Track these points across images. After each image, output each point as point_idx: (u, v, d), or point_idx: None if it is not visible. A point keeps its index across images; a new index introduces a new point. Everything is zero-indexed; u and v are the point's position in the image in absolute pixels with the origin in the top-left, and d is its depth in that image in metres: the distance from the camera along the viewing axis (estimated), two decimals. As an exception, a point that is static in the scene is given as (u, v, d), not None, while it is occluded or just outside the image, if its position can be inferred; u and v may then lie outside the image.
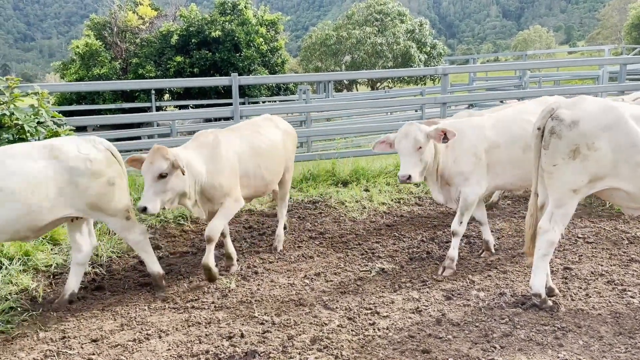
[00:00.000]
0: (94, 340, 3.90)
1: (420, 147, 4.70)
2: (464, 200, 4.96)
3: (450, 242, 5.13)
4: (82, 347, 3.81)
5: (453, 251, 5.05)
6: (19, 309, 4.44)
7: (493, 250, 5.39)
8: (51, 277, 5.16)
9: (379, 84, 31.78)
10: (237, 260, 5.54)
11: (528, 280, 4.39)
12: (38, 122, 6.58)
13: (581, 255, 5.29)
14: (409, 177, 4.65)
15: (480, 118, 5.20)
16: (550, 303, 4.12)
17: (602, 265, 5.00)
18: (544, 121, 3.96)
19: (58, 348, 3.80)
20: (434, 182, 5.08)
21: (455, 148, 4.93)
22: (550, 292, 4.29)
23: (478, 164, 4.92)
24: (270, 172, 5.39)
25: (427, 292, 4.54)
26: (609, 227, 6.10)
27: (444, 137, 4.70)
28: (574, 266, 4.99)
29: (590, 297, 4.34)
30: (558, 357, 3.43)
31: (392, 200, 7.31)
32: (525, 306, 4.15)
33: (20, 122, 6.40)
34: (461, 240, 5.74)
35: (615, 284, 4.56)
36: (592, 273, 4.82)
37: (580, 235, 5.84)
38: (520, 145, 4.89)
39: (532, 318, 3.97)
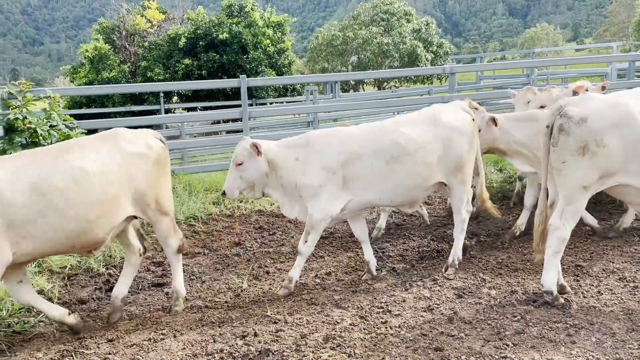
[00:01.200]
0: (110, 340, 3.96)
1: (240, 164, 4.62)
2: (309, 218, 4.65)
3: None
4: (98, 347, 3.87)
5: (294, 271, 4.72)
6: (35, 310, 4.50)
7: (374, 273, 4.97)
8: (66, 278, 5.23)
9: (385, 83, 31.77)
10: (248, 260, 5.60)
11: (539, 278, 4.38)
12: (50, 126, 6.67)
13: (592, 253, 5.28)
14: (224, 193, 4.68)
15: (349, 128, 4.93)
16: (562, 300, 4.13)
17: (613, 263, 4.99)
18: (552, 119, 3.98)
19: (75, 347, 3.86)
20: (280, 196, 4.78)
21: (307, 160, 4.64)
22: (561, 289, 4.29)
23: (330, 178, 4.59)
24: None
25: (439, 290, 4.56)
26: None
27: (258, 152, 4.57)
28: (585, 263, 4.99)
29: (602, 294, 4.34)
30: (571, 354, 3.44)
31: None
32: (537, 304, 4.16)
33: (33, 126, 6.49)
34: (471, 238, 5.76)
35: (627, 281, 4.56)
36: (604, 270, 4.82)
37: (592, 232, 5.83)
38: (384, 157, 4.61)
39: (544, 315, 3.98)
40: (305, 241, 4.70)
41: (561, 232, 4.02)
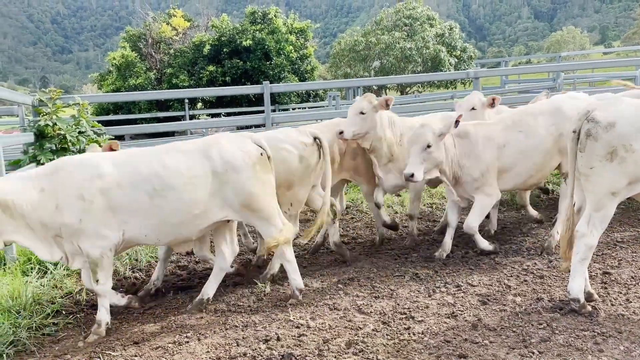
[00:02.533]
0: (136, 343, 4.03)
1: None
2: (90, 257, 4.12)
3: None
4: (124, 349, 3.94)
5: (100, 314, 4.25)
6: (63, 312, 4.61)
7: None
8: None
9: (408, 88, 31.65)
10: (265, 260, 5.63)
11: (565, 285, 4.32)
12: (79, 132, 6.85)
13: (621, 260, 5.17)
14: None
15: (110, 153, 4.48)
16: (589, 308, 4.06)
17: (643, 270, 4.88)
18: (579, 124, 3.91)
19: (102, 350, 3.93)
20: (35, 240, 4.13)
21: (59, 190, 4.04)
22: (589, 297, 4.21)
23: (89, 210, 4.02)
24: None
25: (462, 297, 4.52)
26: (649, 231, 5.95)
27: None
28: (614, 271, 4.89)
29: (631, 302, 4.25)
30: (598, 363, 3.38)
31: (424, 205, 7.29)
32: (563, 311, 4.09)
33: (62, 132, 6.67)
34: (495, 242, 5.70)
35: (657, 289, 4.45)
36: (633, 278, 4.72)
37: (620, 240, 5.72)
38: (146, 189, 4.10)
39: (571, 323, 3.91)
40: (97, 280, 4.19)
41: (589, 239, 3.94)
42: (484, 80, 22.71)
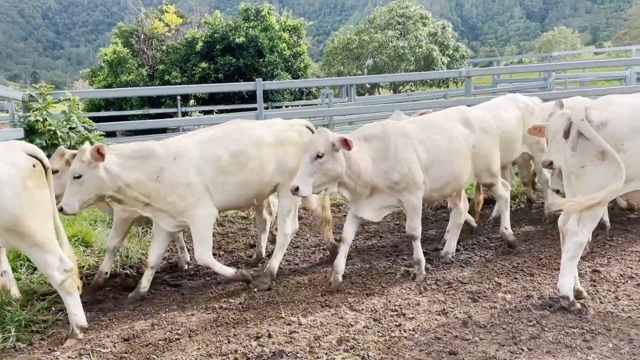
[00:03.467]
0: (126, 339, 4.01)
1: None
2: None
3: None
4: (114, 346, 3.92)
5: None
6: (53, 308, 4.58)
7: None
8: (84, 277, 5.30)
9: (401, 87, 31.71)
10: (263, 262, 5.62)
11: (555, 283, 4.35)
12: (70, 128, 6.80)
13: (610, 258, 5.22)
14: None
15: None
16: (578, 306, 4.09)
17: (631, 268, 4.92)
18: (569, 122, 3.93)
19: (92, 346, 3.91)
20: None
21: None
22: (578, 294, 4.25)
23: None
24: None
25: (453, 294, 4.54)
26: (637, 229, 6.00)
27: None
28: (603, 269, 4.93)
29: (620, 299, 4.28)
30: (587, 360, 3.40)
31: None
32: (552, 309, 4.12)
33: (53, 128, 6.62)
34: (486, 239, 5.72)
35: (645, 287, 4.49)
36: (621, 276, 4.76)
37: (609, 238, 5.76)
38: None
39: (560, 321, 3.94)
40: None
41: (579, 237, 3.97)
42: (475, 79, 22.82)
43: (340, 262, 4.82)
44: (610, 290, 4.46)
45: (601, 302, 4.25)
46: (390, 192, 4.75)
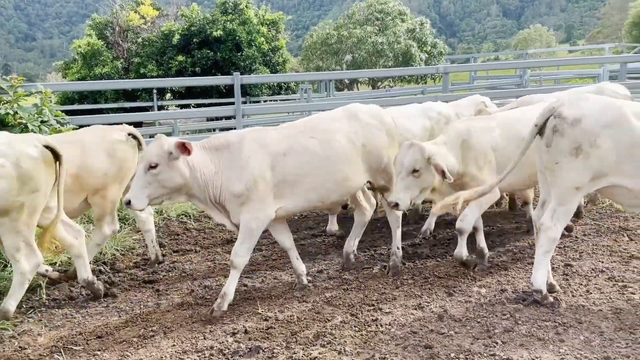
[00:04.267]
0: (99, 337, 3.94)
1: None
2: None
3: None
4: (87, 343, 3.85)
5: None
6: (24, 306, 4.47)
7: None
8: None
9: (380, 83, 31.80)
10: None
11: (529, 277, 4.41)
12: (41, 121, 6.64)
13: (582, 252, 5.32)
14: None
15: None
16: (551, 299, 4.15)
17: (602, 262, 5.03)
18: (543, 119, 3.99)
19: (64, 344, 3.84)
20: None
21: None
22: (551, 288, 4.32)
23: None
24: None
25: (429, 288, 4.58)
26: (609, 224, 6.13)
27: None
28: (575, 263, 5.02)
29: (591, 293, 4.37)
30: (559, 352, 3.46)
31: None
32: (526, 302, 4.19)
33: (24, 121, 6.46)
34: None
35: (615, 280, 4.59)
36: (593, 270, 4.85)
37: (582, 232, 5.88)
38: None
39: (534, 314, 4.00)
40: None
41: (552, 232, 4.02)
42: (453, 75, 23.01)
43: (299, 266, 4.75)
44: (582, 284, 4.55)
45: (573, 296, 4.33)
46: (230, 206, 4.28)
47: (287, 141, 4.40)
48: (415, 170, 4.42)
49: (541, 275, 4.14)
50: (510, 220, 6.45)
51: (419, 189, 4.53)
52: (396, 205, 4.43)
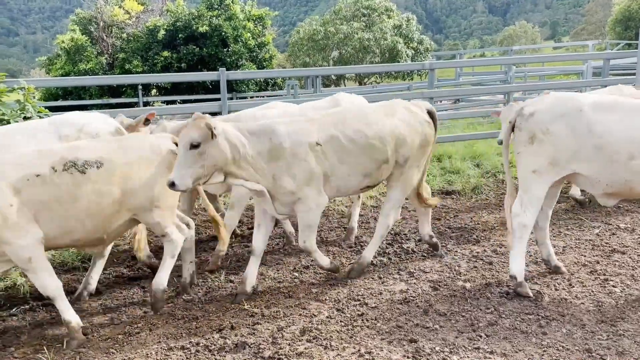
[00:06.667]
0: (84, 334, 3.91)
1: None
2: None
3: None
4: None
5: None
6: (7, 304, 4.43)
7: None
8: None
9: (366, 79, 31.81)
10: (227, 254, 5.57)
11: (513, 271, 4.49)
12: (24, 118, 6.54)
13: (565, 247, 5.39)
14: None
15: None
16: (527, 288, 4.27)
17: (585, 256, 5.10)
18: (514, 117, 4.32)
19: (47, 342, 3.81)
20: None
21: None
22: (556, 269, 4.67)
23: None
24: None
25: (415, 283, 4.61)
26: (591, 218, 6.22)
27: None
28: (558, 257, 5.06)
29: (574, 286, 4.44)
30: (542, 345, 3.52)
31: (380, 194, 7.37)
32: (510, 296, 4.24)
33: (6, 118, 6.35)
34: (447, 229, 5.83)
35: (597, 274, 4.67)
36: (576, 263, 4.92)
37: (564, 227, 5.95)
38: None
39: (517, 307, 4.05)
40: None
41: (522, 218, 4.25)
42: (439, 72, 23.10)
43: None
44: (564, 278, 4.61)
45: (556, 289, 4.39)
46: None
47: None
48: None
49: (516, 262, 4.32)
50: (495, 215, 6.51)
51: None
52: (173, 185, 3.81)
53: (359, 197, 5.96)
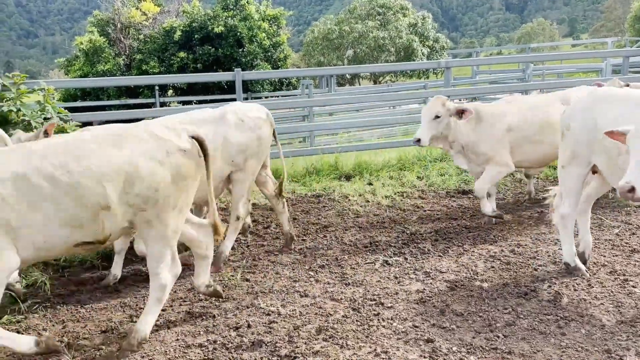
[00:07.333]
0: (104, 331, 3.98)
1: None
2: None
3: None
4: (93, 338, 3.88)
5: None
6: (29, 301, 4.51)
7: None
8: (60, 270, 5.25)
9: (381, 78, 31.75)
10: (242, 253, 5.61)
11: (531, 272, 4.57)
12: (44, 118, 6.66)
13: (584, 247, 5.32)
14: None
15: None
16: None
17: (604, 256, 5.04)
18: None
19: (68, 339, 3.87)
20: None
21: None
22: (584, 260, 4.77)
23: None
24: None
25: (431, 283, 4.60)
26: (611, 218, 6.13)
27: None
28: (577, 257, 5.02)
29: (593, 287, 4.39)
30: (561, 346, 3.48)
31: (395, 193, 7.36)
32: (528, 297, 4.21)
33: (27, 118, 6.48)
34: (464, 229, 5.80)
35: (617, 274, 4.60)
36: (595, 264, 4.86)
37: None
38: None
39: (535, 308, 4.02)
40: None
41: (561, 209, 4.58)
42: (455, 70, 22.98)
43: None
44: (583, 278, 4.56)
45: (575, 290, 4.34)
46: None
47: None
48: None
49: (565, 250, 4.62)
50: (512, 215, 6.46)
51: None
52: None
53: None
